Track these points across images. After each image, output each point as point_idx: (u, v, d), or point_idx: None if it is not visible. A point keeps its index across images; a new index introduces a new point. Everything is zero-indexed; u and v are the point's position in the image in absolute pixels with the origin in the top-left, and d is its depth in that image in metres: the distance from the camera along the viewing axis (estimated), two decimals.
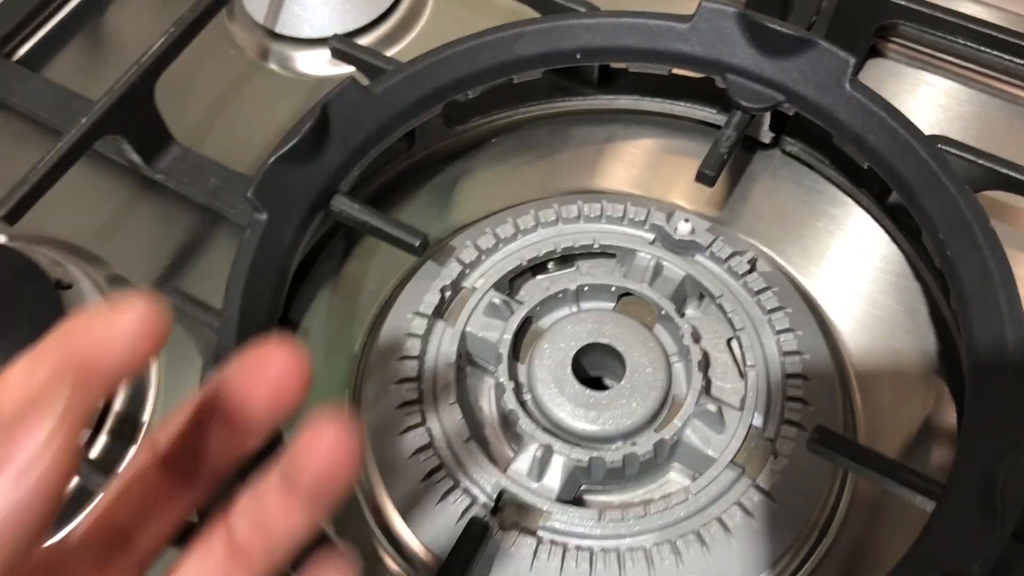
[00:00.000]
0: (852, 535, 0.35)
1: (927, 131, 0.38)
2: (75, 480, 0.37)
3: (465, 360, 0.38)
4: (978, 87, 0.46)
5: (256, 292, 0.35)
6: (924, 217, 0.35)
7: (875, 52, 0.48)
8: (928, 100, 0.46)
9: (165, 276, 0.43)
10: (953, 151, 0.38)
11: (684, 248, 0.39)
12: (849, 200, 0.43)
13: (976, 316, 0.32)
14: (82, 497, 0.37)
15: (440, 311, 0.38)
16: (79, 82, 0.48)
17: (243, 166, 0.44)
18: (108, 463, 0.38)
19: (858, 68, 0.46)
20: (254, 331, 0.34)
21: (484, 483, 0.34)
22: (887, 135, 0.36)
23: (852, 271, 0.41)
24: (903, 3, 0.43)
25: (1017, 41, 0.42)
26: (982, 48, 0.44)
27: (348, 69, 0.44)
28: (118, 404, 0.39)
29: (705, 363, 0.36)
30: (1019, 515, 0.28)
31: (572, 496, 0.35)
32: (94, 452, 0.38)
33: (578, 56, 0.40)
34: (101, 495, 0.23)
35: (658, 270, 0.39)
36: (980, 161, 0.38)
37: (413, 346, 0.37)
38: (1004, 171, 0.37)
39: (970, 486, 0.29)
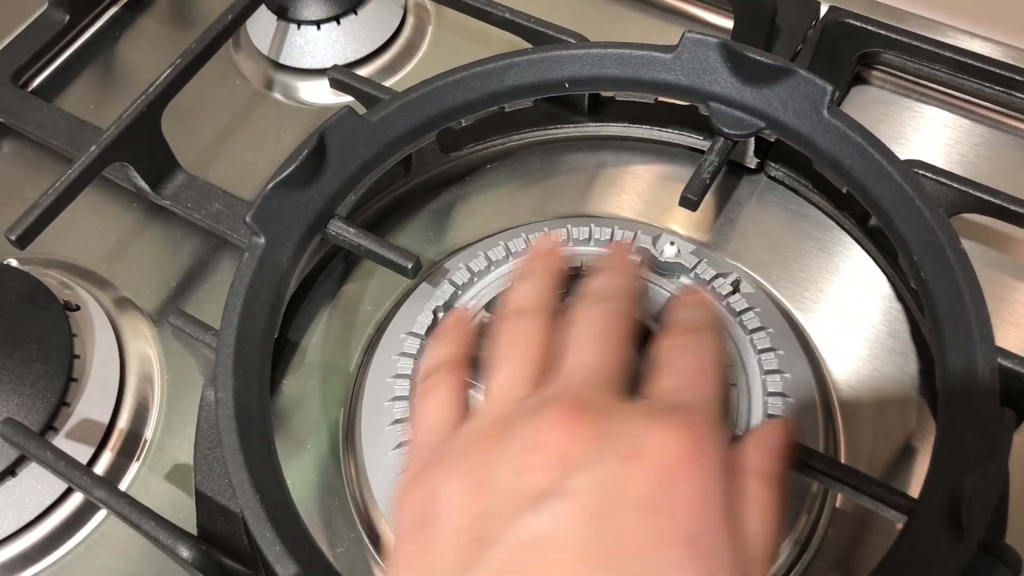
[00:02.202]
0: (832, 549, 0.36)
1: (911, 157, 0.39)
2: (80, 496, 0.38)
3: None
4: (962, 113, 0.47)
5: (253, 314, 0.36)
6: (899, 239, 0.36)
7: (860, 80, 0.49)
8: (913, 126, 0.47)
9: (171, 299, 0.44)
10: (929, 175, 0.39)
11: (669, 270, 0.40)
12: (833, 224, 0.44)
13: (948, 335, 0.33)
14: (85, 510, 0.38)
15: (433, 331, 0.40)
16: (91, 111, 0.50)
17: (247, 192, 0.45)
18: (112, 478, 0.39)
19: (841, 96, 0.47)
20: (250, 351, 0.35)
21: None
22: (863, 160, 0.37)
23: (835, 293, 0.42)
24: (883, 32, 0.44)
25: (996, 69, 0.44)
26: (963, 76, 0.45)
27: (350, 98, 0.46)
28: (122, 422, 0.40)
29: None
30: (985, 528, 0.29)
31: None
32: (99, 468, 0.39)
33: (567, 85, 0.42)
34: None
35: (643, 291, 0.40)
36: (955, 185, 0.39)
37: (406, 365, 0.38)
38: (978, 194, 0.38)
39: (939, 501, 0.30)
